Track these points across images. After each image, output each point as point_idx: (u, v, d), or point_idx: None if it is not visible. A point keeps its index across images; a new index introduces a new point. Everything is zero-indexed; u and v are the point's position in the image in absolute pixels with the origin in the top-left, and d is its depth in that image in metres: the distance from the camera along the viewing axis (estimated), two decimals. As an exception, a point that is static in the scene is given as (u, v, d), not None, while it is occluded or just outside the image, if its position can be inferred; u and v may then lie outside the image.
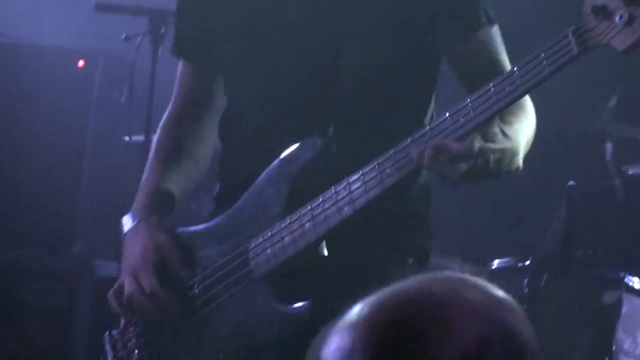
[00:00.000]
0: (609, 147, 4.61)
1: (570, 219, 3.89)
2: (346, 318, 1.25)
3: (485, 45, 2.56)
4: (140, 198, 2.68)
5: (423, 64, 2.55)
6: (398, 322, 1.21)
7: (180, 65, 2.77)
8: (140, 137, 4.11)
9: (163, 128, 2.78)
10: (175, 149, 2.73)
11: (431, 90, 2.58)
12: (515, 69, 2.24)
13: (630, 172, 4.48)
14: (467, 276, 1.28)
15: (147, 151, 2.83)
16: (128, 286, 2.55)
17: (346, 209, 2.38)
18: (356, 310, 1.25)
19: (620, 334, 3.91)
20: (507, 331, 1.23)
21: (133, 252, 2.58)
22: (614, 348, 3.86)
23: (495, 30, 2.58)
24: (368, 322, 1.22)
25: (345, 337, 1.23)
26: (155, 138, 2.79)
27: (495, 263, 4.12)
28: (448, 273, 1.29)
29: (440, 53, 2.57)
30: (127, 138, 4.45)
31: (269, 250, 2.47)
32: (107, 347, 2.70)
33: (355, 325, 1.23)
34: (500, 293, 1.27)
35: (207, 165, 2.78)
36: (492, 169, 2.30)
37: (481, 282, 1.28)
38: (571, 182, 3.91)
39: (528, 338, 1.24)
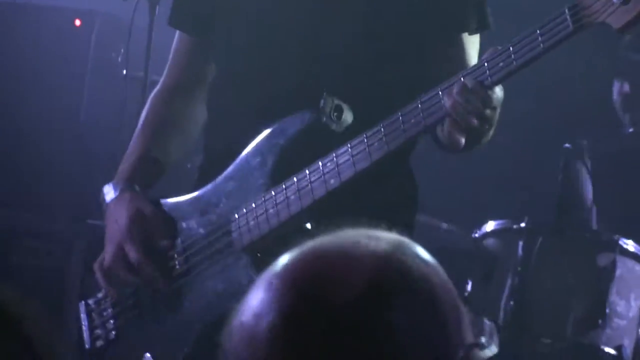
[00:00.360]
0: (616, 85, 4.55)
1: (566, 181, 3.88)
2: (263, 276, 1.31)
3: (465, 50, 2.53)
4: (124, 167, 2.66)
5: (413, 41, 2.52)
6: (305, 277, 1.24)
7: (176, 36, 2.74)
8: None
9: (154, 99, 2.75)
10: (165, 121, 2.70)
11: (424, 68, 2.53)
12: (509, 45, 2.23)
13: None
14: (379, 231, 1.33)
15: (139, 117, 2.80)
16: (112, 256, 2.54)
17: (332, 181, 2.36)
18: (270, 271, 1.30)
19: (613, 297, 3.91)
20: (407, 275, 1.25)
21: (118, 222, 2.56)
22: (607, 310, 3.87)
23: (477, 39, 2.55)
24: (281, 281, 1.27)
25: (259, 294, 1.27)
26: (145, 108, 2.76)
27: (492, 225, 4.10)
28: (360, 231, 1.33)
29: (430, 34, 2.53)
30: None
31: (251, 222, 2.46)
32: (82, 316, 2.69)
33: (268, 285, 1.28)
34: (409, 245, 1.31)
35: (195, 139, 2.75)
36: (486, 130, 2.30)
37: (391, 235, 1.32)
38: (567, 145, 3.91)
39: (440, 288, 1.26)
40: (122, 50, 4.48)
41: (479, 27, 2.54)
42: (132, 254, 2.52)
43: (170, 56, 2.76)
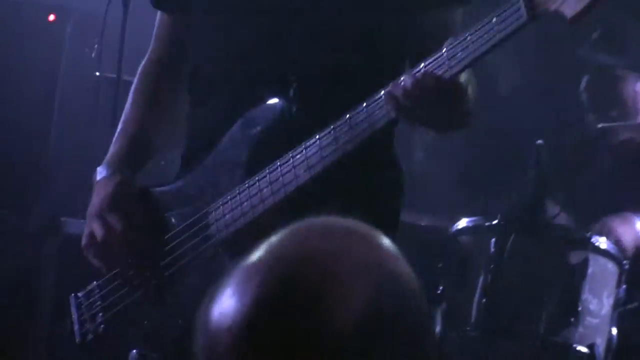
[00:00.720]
0: (585, 79, 4.66)
1: (539, 178, 3.90)
2: (233, 271, 1.23)
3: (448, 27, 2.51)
4: (115, 148, 2.64)
5: (391, 26, 2.50)
6: (286, 293, 1.17)
7: (158, 15, 2.73)
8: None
9: (142, 75, 2.73)
10: (153, 99, 2.69)
11: (400, 54, 2.51)
12: (467, 34, 2.23)
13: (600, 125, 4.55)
14: (351, 224, 1.26)
15: (118, 117, 2.80)
16: (98, 228, 2.49)
17: (302, 174, 2.35)
18: (240, 266, 1.23)
19: (586, 295, 3.92)
20: (396, 282, 1.20)
21: (101, 196, 2.52)
22: (579, 308, 3.89)
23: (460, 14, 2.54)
24: (248, 279, 1.20)
25: (227, 291, 1.22)
26: (134, 84, 2.74)
27: (464, 221, 4.12)
28: (331, 221, 1.27)
29: (412, 16, 2.51)
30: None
31: (227, 216, 2.44)
32: (73, 309, 2.68)
33: (236, 283, 1.21)
34: (383, 240, 1.25)
35: (183, 120, 2.72)
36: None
37: (364, 228, 1.26)
38: (539, 141, 3.92)
39: (413, 283, 1.23)
40: (96, 47, 4.48)
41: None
42: (114, 222, 2.48)
43: (155, 30, 2.74)
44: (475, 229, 4.08)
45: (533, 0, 2.17)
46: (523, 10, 2.17)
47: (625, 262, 4.03)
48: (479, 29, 2.22)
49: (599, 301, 3.96)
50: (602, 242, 3.97)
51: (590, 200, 4.58)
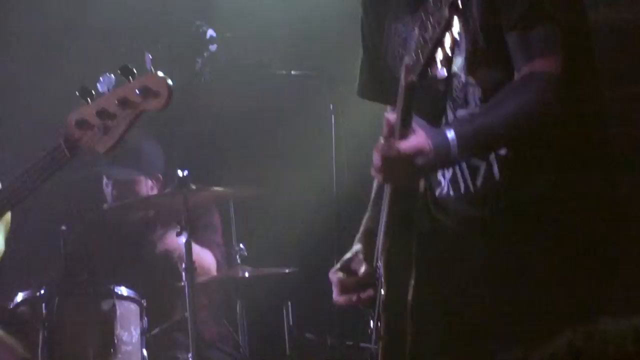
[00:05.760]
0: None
1: (67, 255, 5.10)
2: None
3: None
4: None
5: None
6: None
7: None
8: None
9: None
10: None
11: None
12: (24, 171, 3.17)
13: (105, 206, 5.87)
14: None
15: None
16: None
17: None
18: None
19: (118, 330, 5.12)
20: None
21: None
22: (115, 341, 5.09)
23: None
24: None
25: None
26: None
27: (20, 296, 5.14)
28: None
29: None
30: None
31: None
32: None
33: None
34: None
35: None
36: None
37: None
38: (64, 227, 5.14)
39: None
40: None
41: None
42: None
43: None
44: (30, 300, 5.14)
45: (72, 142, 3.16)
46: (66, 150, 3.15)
47: (143, 300, 5.33)
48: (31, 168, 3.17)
49: (129, 333, 5.22)
50: (123, 290, 5.25)
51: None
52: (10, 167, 3.44)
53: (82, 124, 3.13)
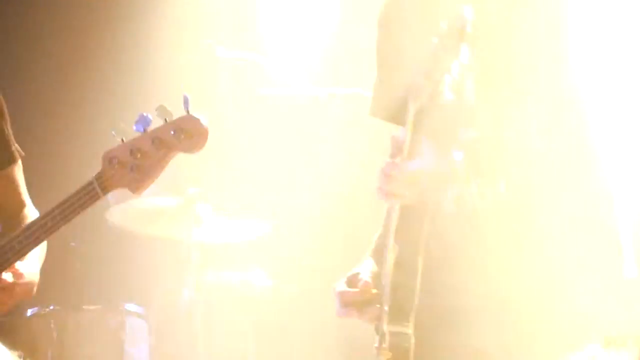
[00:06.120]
0: None
1: (76, 271, 5.10)
2: None
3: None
4: None
5: None
6: None
7: None
8: None
9: None
10: None
11: None
12: (54, 207, 3.21)
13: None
14: None
15: None
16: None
17: None
18: None
19: (127, 346, 5.14)
20: None
21: None
22: (124, 357, 5.10)
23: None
24: None
25: None
26: None
27: (29, 312, 5.10)
28: None
29: None
30: None
31: None
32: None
33: None
34: None
35: None
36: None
37: None
38: (72, 243, 5.15)
39: None
40: None
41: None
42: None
43: None
44: (39, 315, 5.10)
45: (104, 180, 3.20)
46: (98, 188, 3.19)
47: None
48: (63, 204, 3.20)
49: (139, 349, 5.24)
50: (132, 306, 5.28)
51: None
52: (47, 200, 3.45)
53: (115, 162, 3.17)
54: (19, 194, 3.63)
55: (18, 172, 3.74)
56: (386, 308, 2.82)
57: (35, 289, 3.54)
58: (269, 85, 5.62)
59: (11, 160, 3.69)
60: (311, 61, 6.01)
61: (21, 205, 3.52)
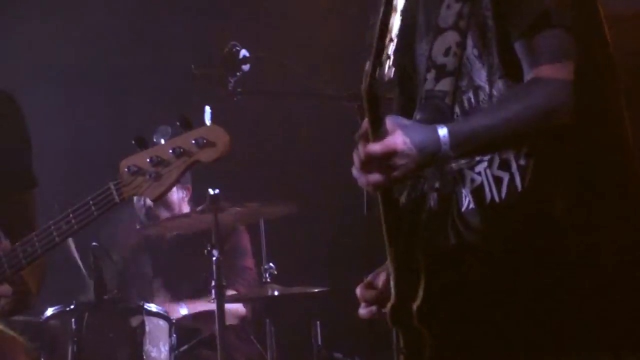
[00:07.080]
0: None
1: (97, 272, 5.16)
2: None
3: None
4: None
5: None
6: None
7: None
8: None
9: None
10: None
11: None
12: (69, 211, 3.20)
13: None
14: None
15: None
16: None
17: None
18: None
19: (147, 346, 5.23)
20: None
21: None
22: (144, 357, 5.18)
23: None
24: None
25: None
26: None
27: (49, 311, 5.25)
28: None
29: None
30: None
31: None
32: None
33: None
34: None
35: None
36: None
37: None
38: (95, 244, 5.20)
39: None
40: None
41: None
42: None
43: None
44: (60, 314, 5.25)
45: (121, 187, 3.18)
46: (115, 194, 3.18)
47: (173, 319, 5.40)
48: (79, 208, 3.21)
49: (158, 349, 5.30)
50: (153, 307, 5.33)
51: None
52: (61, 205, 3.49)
53: (133, 169, 3.17)
54: (31, 218, 3.67)
55: (34, 197, 3.78)
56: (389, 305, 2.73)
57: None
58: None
59: (29, 186, 3.74)
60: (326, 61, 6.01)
61: (31, 230, 3.56)
